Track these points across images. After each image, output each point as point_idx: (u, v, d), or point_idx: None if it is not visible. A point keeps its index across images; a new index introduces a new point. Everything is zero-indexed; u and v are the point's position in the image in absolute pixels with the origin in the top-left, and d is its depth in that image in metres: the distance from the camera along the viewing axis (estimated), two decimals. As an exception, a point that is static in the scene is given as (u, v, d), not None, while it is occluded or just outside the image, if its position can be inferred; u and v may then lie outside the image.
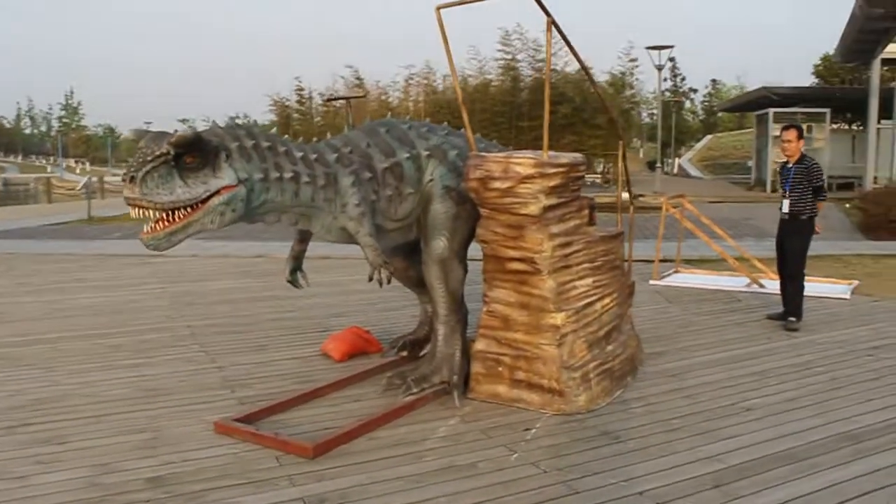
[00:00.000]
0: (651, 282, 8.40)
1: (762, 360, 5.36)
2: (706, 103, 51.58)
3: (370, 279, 4.30)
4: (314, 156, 4.18)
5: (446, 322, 4.66)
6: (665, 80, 43.41)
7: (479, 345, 4.51)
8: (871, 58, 18.59)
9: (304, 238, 4.91)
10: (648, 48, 22.44)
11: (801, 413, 4.27)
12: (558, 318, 4.26)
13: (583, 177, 4.57)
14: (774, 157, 23.49)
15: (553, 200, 4.20)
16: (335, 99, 25.32)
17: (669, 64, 33.77)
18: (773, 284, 7.83)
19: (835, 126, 23.83)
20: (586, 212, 4.61)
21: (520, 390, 4.38)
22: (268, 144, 3.97)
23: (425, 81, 27.29)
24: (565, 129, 26.74)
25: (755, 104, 24.38)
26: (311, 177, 4.09)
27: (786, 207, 6.45)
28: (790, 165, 6.50)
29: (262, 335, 6.24)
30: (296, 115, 28.16)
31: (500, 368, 4.44)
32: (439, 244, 4.56)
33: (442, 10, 4.32)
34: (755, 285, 8.00)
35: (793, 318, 6.27)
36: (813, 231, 6.44)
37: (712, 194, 23.74)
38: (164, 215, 3.60)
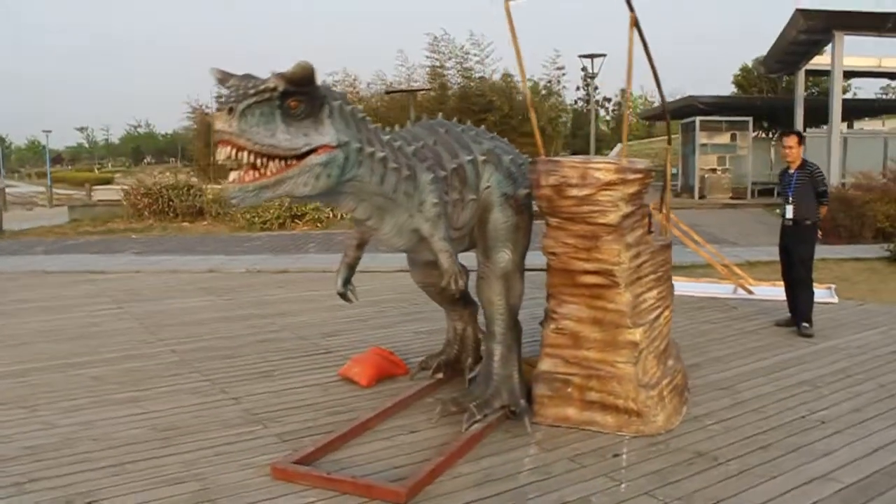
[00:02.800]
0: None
1: (800, 368, 5.28)
2: (616, 112, 52.99)
3: (443, 288, 3.91)
4: (397, 143, 3.73)
5: (503, 341, 4.31)
6: (577, 88, 44.24)
7: (545, 365, 4.18)
8: (796, 69, 19.48)
9: (361, 242, 4.36)
10: (581, 56, 22.67)
11: (877, 424, 4.16)
12: (637, 334, 4.00)
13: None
14: (701, 164, 24.26)
15: (630, 208, 3.94)
16: (397, 91, 24.37)
17: (581, 73, 34.30)
18: (761, 290, 7.90)
19: (755, 134, 24.79)
20: (647, 220, 4.37)
21: (592, 412, 4.08)
22: (362, 115, 3.50)
23: (350, 89, 26.68)
24: (493, 138, 26.76)
25: (681, 112, 25.07)
26: (398, 164, 3.63)
27: (789, 213, 6.40)
28: (791, 171, 6.46)
29: (260, 359, 5.68)
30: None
31: (570, 389, 4.12)
32: (503, 257, 4.21)
33: (512, 6, 3.98)
34: (741, 291, 8.01)
35: (806, 324, 6.26)
36: (816, 236, 6.46)
37: (638, 201, 24.31)
38: (257, 163, 3.05)
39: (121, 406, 4.63)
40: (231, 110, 2.93)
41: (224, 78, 3.16)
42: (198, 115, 25.73)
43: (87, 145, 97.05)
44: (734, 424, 4.17)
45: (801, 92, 19.80)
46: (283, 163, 3.11)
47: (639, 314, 4.07)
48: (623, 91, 56.24)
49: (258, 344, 6.15)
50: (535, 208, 4.27)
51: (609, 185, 3.83)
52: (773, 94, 29.46)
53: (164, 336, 6.46)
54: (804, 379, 5.00)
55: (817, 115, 20.85)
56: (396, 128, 4.15)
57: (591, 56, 22.59)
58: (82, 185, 38.88)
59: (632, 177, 3.87)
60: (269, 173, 3.09)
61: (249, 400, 4.72)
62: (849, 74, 21.61)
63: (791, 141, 6.49)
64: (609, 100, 51.83)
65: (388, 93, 24.91)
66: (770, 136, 27.00)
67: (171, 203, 17.32)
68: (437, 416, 4.22)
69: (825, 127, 19.26)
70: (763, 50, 22.95)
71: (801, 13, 14.57)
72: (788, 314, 6.58)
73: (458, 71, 26.76)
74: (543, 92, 27.50)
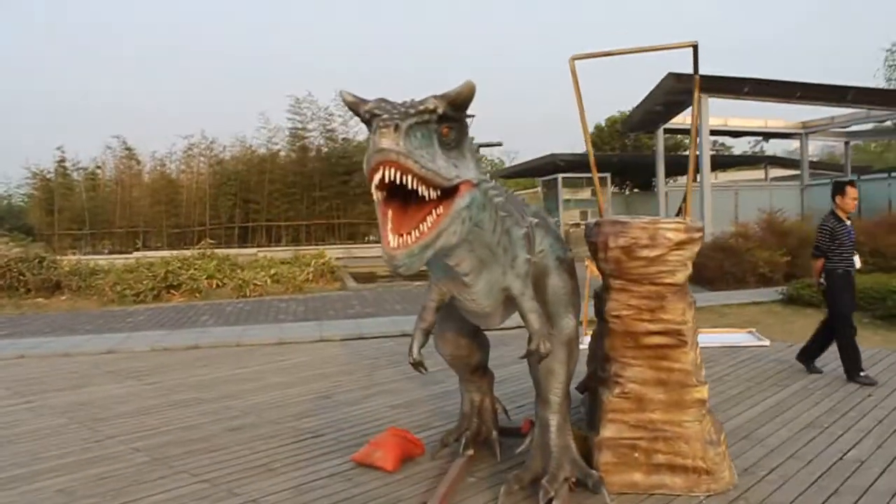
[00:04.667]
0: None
1: (796, 410, 5.52)
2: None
3: (530, 354, 3.69)
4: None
5: (560, 411, 4.14)
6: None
7: (609, 432, 4.06)
8: (656, 128, 21.13)
9: (440, 304, 3.88)
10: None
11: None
12: (704, 391, 3.99)
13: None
14: (565, 218, 25.44)
15: (691, 267, 3.97)
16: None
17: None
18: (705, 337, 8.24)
19: (613, 189, 26.46)
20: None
21: (660, 475, 4.00)
22: (477, 148, 3.23)
23: (209, 152, 25.63)
24: (359, 199, 26.63)
25: (543, 170, 26.28)
26: (506, 212, 3.42)
27: (858, 263, 6.57)
28: (849, 224, 6.57)
29: (247, 450, 5.10)
30: (62, 190, 24.81)
31: (636, 454, 4.02)
32: (568, 323, 4.06)
33: (575, 64, 3.95)
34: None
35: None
36: None
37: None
38: (420, 190, 2.73)
39: (122, 524, 3.95)
40: (397, 128, 2.63)
41: (357, 102, 2.87)
42: (39, 180, 23.58)
43: None
44: (785, 473, 4.24)
45: (661, 148, 21.47)
46: (436, 212, 2.82)
47: (699, 371, 4.08)
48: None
49: (231, 433, 5.52)
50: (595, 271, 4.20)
51: (679, 245, 3.84)
52: (623, 152, 31.73)
53: (111, 432, 5.65)
54: (808, 421, 5.22)
55: (668, 169, 22.62)
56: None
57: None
58: None
59: (697, 235, 3.92)
60: (425, 229, 2.79)
61: (271, 500, 4.19)
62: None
63: (856, 192, 6.60)
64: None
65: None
66: (623, 190, 28.95)
67: (21, 277, 15.56)
68: (503, 496, 3.95)
69: (678, 180, 20.93)
70: (608, 113, 24.77)
71: (673, 76, 15.89)
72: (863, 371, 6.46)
73: (322, 133, 26.52)
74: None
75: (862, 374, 6.32)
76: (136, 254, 22.80)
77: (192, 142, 26.47)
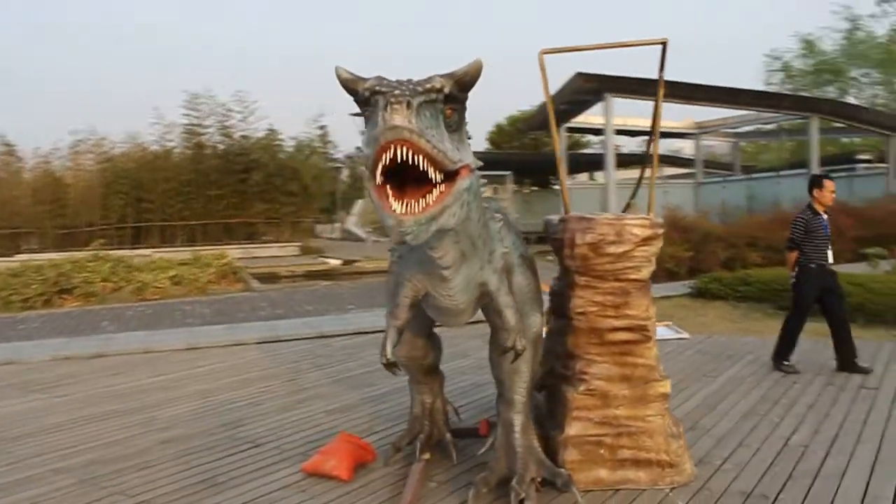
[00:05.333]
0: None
1: (731, 401, 5.70)
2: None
3: (507, 350, 3.59)
4: None
5: (524, 410, 4.07)
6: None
7: (574, 429, 4.03)
8: (557, 126, 21.49)
9: (414, 301, 3.63)
10: (353, 114, 22.92)
11: (848, 444, 4.61)
12: (667, 386, 4.04)
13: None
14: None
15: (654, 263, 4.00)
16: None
17: (320, 131, 34.66)
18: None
19: (514, 187, 26.88)
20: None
21: (625, 470, 4.02)
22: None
23: (97, 149, 24.19)
24: (257, 197, 25.88)
25: (439, 166, 26.37)
26: (486, 204, 3.37)
27: (831, 258, 6.52)
28: (826, 218, 6.53)
29: (183, 465, 4.74)
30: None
31: (602, 451, 4.02)
32: (535, 321, 3.99)
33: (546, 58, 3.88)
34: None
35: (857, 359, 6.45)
36: None
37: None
38: (429, 173, 2.61)
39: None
40: (409, 105, 2.48)
41: (354, 79, 2.72)
42: None
43: None
44: (739, 462, 4.36)
45: (563, 147, 21.94)
46: (441, 187, 2.69)
47: (659, 365, 4.12)
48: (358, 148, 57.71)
49: (162, 447, 5.15)
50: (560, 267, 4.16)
51: (646, 240, 3.86)
52: (522, 150, 32.28)
53: (26, 452, 5.15)
54: (745, 410, 5.41)
55: (568, 168, 23.18)
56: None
57: (360, 114, 22.97)
58: None
59: (660, 231, 3.95)
60: (432, 201, 2.64)
61: (225, 518, 3.92)
62: (597, 132, 24.38)
63: (833, 185, 6.58)
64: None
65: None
66: (522, 188, 29.44)
67: None
68: (472, 500, 3.85)
69: (576, 178, 21.48)
70: (509, 112, 25.10)
71: (581, 76, 16.23)
72: (789, 360, 6.60)
73: (219, 129, 25.56)
74: (307, 151, 27.26)
75: (786, 363, 6.58)
76: (20, 256, 21.21)
77: (79, 138, 24.88)
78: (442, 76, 2.70)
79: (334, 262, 23.90)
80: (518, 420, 4.05)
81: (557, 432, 4.11)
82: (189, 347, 9.09)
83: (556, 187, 30.50)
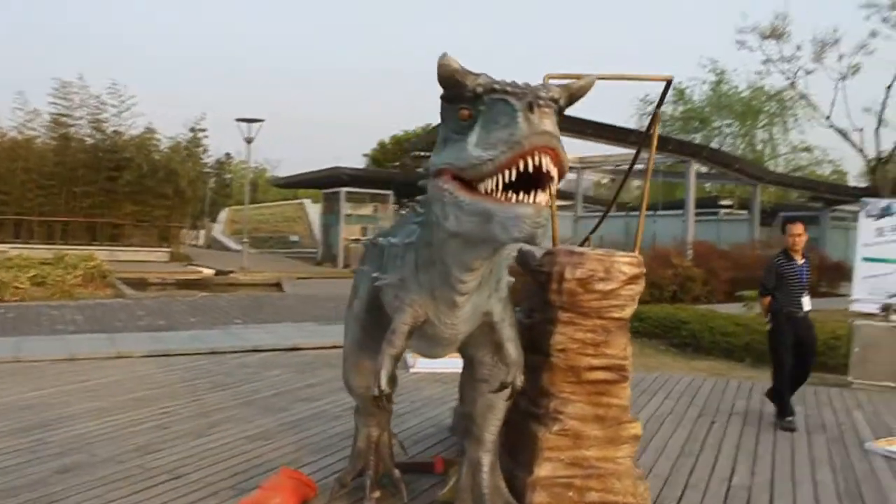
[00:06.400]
0: (412, 370, 8.06)
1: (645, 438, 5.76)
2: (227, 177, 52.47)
3: (505, 387, 3.39)
4: None
5: (493, 450, 3.90)
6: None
7: (544, 471, 3.87)
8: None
9: (413, 328, 3.33)
10: (239, 120, 21.95)
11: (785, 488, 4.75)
12: (639, 427, 3.98)
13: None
14: (346, 233, 25.10)
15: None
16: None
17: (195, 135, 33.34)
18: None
19: (395, 207, 26.68)
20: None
21: (592, 514, 3.90)
22: None
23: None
24: (127, 198, 24.29)
25: (325, 182, 25.81)
26: None
27: (808, 306, 6.24)
28: (801, 262, 6.26)
29: (95, 499, 4.16)
30: None
31: (570, 493, 3.88)
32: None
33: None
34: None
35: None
36: None
37: (290, 270, 24.05)
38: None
39: None
40: (561, 110, 2.38)
41: (463, 71, 2.48)
42: None
43: None
44: (690, 501, 4.38)
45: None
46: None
47: (630, 406, 4.06)
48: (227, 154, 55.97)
49: (61, 477, 4.50)
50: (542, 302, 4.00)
51: (632, 279, 3.80)
52: (403, 169, 32.25)
53: None
54: (677, 450, 5.46)
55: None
56: None
57: (248, 121, 22.12)
58: None
59: (644, 270, 3.90)
60: (543, 201, 2.43)
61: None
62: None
63: (799, 228, 6.21)
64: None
65: None
66: (401, 208, 29.43)
67: None
68: (440, 545, 3.61)
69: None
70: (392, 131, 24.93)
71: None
72: (788, 416, 6.20)
73: (90, 122, 23.78)
74: (184, 153, 25.90)
75: (787, 419, 6.18)
76: None
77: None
78: (559, 87, 2.50)
79: (207, 272, 22.78)
80: (486, 459, 3.86)
81: (524, 473, 3.94)
82: (68, 358, 8.23)
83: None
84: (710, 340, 10.33)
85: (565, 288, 3.76)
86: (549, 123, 2.31)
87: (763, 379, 8.35)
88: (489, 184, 2.41)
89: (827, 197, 27.82)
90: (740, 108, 35.99)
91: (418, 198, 3.35)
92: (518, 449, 4.10)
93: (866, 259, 11.26)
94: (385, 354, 3.30)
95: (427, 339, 3.49)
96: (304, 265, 26.52)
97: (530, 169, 2.33)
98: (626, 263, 3.81)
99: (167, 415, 6.03)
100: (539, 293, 3.94)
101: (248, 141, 22.02)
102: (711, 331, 10.47)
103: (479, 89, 2.47)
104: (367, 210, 26.05)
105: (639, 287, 3.86)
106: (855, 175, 45.72)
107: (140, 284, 19.46)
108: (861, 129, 25.65)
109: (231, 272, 22.46)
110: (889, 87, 25.62)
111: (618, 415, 3.94)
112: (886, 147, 25.96)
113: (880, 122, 25.49)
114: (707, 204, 29.65)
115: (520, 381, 3.44)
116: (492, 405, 3.83)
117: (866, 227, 11.73)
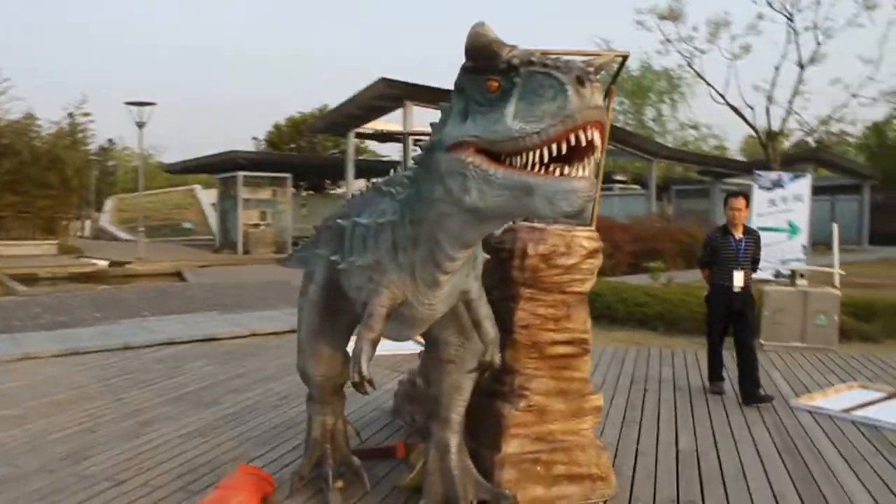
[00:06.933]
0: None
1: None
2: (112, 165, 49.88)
3: (485, 366, 3.35)
4: None
5: (459, 430, 3.86)
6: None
7: (512, 447, 3.88)
8: (347, 131, 21.28)
9: (392, 310, 3.20)
10: (129, 103, 20.72)
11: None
12: (601, 399, 4.05)
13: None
14: (244, 219, 24.41)
15: (594, 275, 4.00)
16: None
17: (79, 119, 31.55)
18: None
19: (293, 190, 26.14)
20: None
21: (559, 486, 3.95)
22: None
23: None
24: (6, 187, 22.64)
25: (221, 167, 24.90)
26: None
27: (739, 281, 6.16)
28: (739, 237, 6.27)
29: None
30: None
31: (538, 468, 3.92)
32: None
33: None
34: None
35: (762, 389, 6.13)
36: None
37: (189, 258, 23.11)
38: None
39: None
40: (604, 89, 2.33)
41: (498, 41, 2.39)
42: None
43: None
44: (647, 469, 4.51)
45: (352, 152, 21.79)
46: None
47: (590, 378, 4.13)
48: (110, 141, 52.84)
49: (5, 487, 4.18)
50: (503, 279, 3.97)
51: (591, 253, 3.84)
52: (300, 153, 31.64)
53: None
54: (619, 419, 5.61)
55: (342, 173, 23.06)
56: None
57: (140, 104, 21.01)
58: None
59: (601, 245, 3.95)
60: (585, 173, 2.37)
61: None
62: (386, 137, 24.49)
63: (740, 203, 6.25)
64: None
65: None
66: (299, 191, 28.92)
67: None
68: (416, 531, 3.56)
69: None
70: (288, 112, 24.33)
71: (385, 82, 16.17)
72: (716, 381, 6.40)
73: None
74: (68, 140, 24.34)
75: (714, 383, 6.41)
76: None
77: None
78: (585, 62, 2.42)
79: (101, 264, 21.62)
80: (454, 440, 3.83)
81: (490, 451, 3.94)
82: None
83: (332, 192, 30.61)
84: (624, 311, 10.66)
85: (528, 264, 3.76)
86: (599, 98, 2.28)
87: (678, 346, 8.73)
88: (527, 157, 2.34)
89: (716, 170, 29.22)
90: (630, 87, 37.26)
91: (403, 173, 3.24)
92: (482, 427, 4.09)
93: (760, 228, 11.96)
94: (363, 339, 3.17)
95: (401, 321, 3.40)
96: (202, 253, 25.53)
97: (582, 143, 2.28)
98: (586, 238, 3.85)
99: (91, 417, 5.68)
100: (498, 270, 3.92)
101: (140, 125, 20.88)
102: (625, 302, 10.80)
103: (515, 60, 2.38)
104: (265, 194, 25.38)
105: (597, 261, 3.91)
106: (734, 150, 48.44)
107: (30, 280, 18.27)
108: (752, 107, 26.97)
109: (127, 263, 21.41)
110: (777, 67, 27.06)
111: (580, 388, 4.00)
112: (775, 124, 27.43)
113: (769, 99, 26.92)
114: (603, 179, 30.57)
115: (497, 358, 3.42)
116: (458, 386, 3.79)
117: (759, 199, 12.47)
